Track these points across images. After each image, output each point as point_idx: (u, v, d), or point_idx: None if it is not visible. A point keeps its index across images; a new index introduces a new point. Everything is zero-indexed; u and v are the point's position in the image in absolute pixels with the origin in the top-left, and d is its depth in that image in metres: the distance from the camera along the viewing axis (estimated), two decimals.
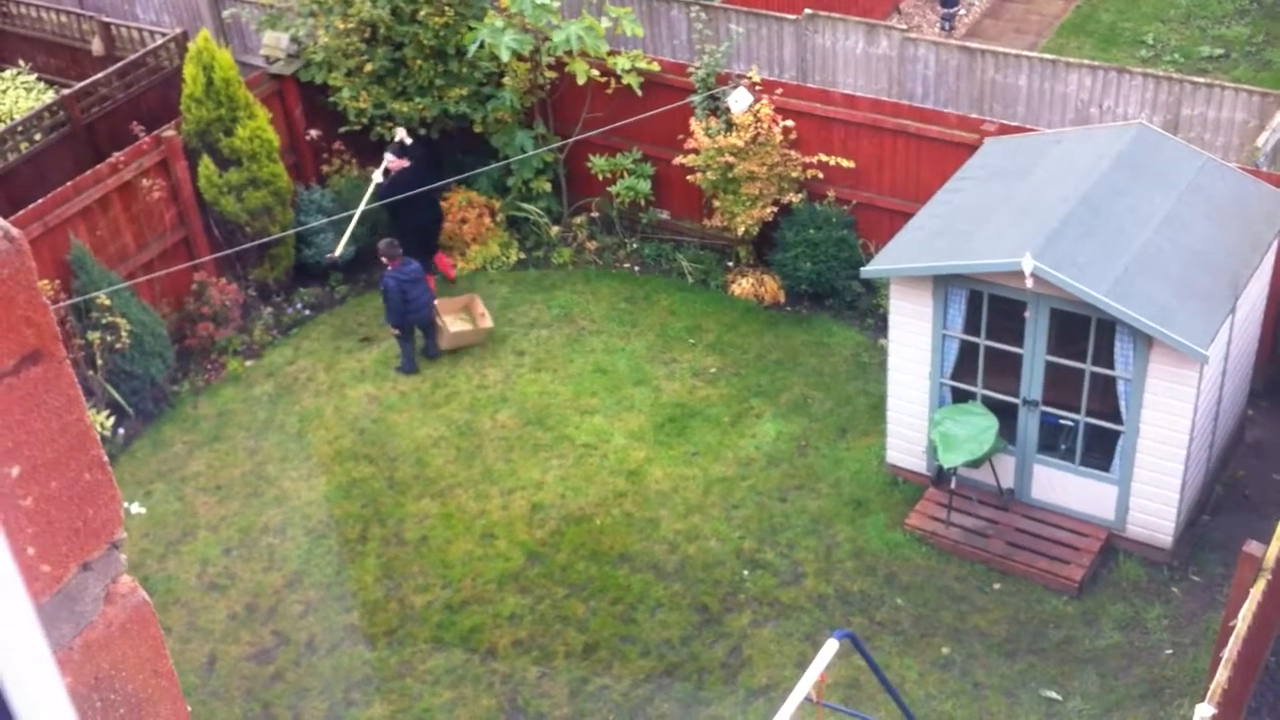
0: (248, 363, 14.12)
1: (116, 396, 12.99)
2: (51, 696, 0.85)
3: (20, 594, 0.82)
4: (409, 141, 14.51)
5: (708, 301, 14.58)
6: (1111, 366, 10.56)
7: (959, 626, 10.89)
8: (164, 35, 16.37)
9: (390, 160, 14.34)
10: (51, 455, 1.18)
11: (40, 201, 12.79)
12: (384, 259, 13.48)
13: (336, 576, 11.73)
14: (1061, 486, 11.41)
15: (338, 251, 14.38)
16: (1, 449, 1.13)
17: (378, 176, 14.42)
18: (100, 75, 15.72)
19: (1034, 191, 11.31)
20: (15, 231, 1.13)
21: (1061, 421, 11.21)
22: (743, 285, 14.49)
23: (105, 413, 12.95)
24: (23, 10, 17.97)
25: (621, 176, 15.05)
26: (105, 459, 1.26)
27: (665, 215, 15.25)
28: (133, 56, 16.05)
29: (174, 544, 12.15)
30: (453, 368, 13.90)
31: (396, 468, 12.77)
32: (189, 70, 13.86)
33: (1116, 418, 10.79)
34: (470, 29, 14.31)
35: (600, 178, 15.18)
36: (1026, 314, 10.60)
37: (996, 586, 11.22)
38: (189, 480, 12.82)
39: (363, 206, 14.28)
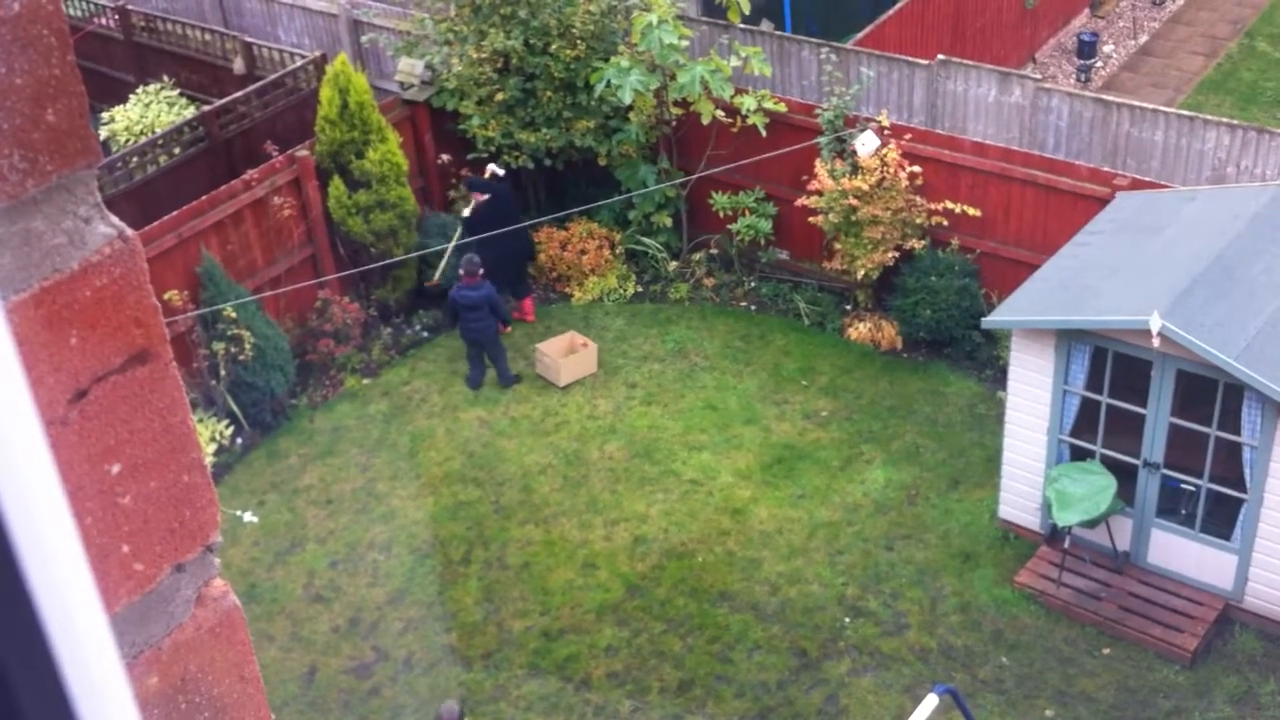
0: (365, 380, 14.33)
1: (234, 408, 13.27)
2: (117, 695, 0.84)
3: (93, 591, 0.82)
4: (501, 173, 14.69)
5: (823, 344, 14.47)
6: (1238, 432, 10.24)
7: (1065, 689, 10.61)
8: (303, 57, 16.77)
9: (474, 196, 14.59)
10: (152, 455, 1.19)
11: (175, 213, 13.16)
12: (460, 272, 13.66)
13: (438, 596, 11.81)
14: (1179, 552, 11.07)
15: (436, 278, 14.68)
16: (103, 446, 1.14)
17: (465, 212, 14.65)
18: (240, 94, 16.15)
19: (1165, 249, 11.04)
20: (130, 232, 1.14)
21: (1183, 486, 10.89)
22: (860, 329, 14.35)
23: (225, 422, 13.23)
24: (170, 27, 18.55)
25: (743, 215, 15.03)
26: (205, 463, 1.26)
27: (784, 255, 15.18)
28: (272, 77, 16.46)
29: (283, 554, 12.35)
30: (564, 397, 13.97)
31: (503, 492, 12.84)
32: (325, 92, 14.17)
33: (1240, 485, 10.45)
34: (600, 65, 14.43)
35: (721, 215, 15.18)
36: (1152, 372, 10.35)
37: (1106, 651, 10.92)
38: (301, 492, 13.03)
39: (454, 243, 14.58)
